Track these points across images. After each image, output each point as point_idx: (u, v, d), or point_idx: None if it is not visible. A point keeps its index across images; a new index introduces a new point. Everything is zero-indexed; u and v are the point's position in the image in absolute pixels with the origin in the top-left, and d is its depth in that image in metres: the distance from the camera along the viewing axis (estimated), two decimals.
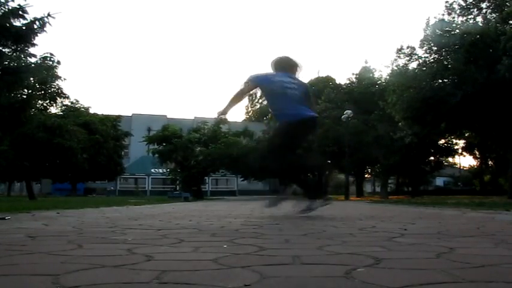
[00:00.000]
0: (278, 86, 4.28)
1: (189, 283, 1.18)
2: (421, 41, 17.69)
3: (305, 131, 4.65)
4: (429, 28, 17.44)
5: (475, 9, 17.55)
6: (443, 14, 17.73)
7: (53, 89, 16.06)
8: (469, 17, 17.51)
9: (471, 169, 42.22)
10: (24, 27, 8.55)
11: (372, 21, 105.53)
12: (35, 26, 8.55)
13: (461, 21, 17.42)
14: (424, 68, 17.54)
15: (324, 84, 31.86)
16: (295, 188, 4.69)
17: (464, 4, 17.51)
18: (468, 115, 16.38)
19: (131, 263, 1.50)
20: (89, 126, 28.06)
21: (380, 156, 24.58)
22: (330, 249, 1.85)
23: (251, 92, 4.72)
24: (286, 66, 4.49)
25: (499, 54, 13.70)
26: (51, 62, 13.57)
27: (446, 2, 17.72)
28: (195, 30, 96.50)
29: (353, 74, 29.88)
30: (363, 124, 24.41)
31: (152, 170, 40.49)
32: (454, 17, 17.64)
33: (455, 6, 17.61)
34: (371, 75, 27.66)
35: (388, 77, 20.55)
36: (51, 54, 13.23)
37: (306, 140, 4.10)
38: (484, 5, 17.44)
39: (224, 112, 4.49)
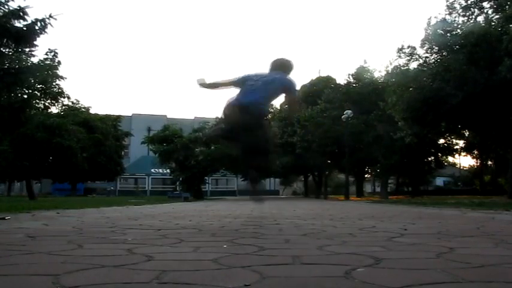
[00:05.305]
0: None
1: (189, 283, 1.18)
2: (422, 40, 17.63)
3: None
4: (430, 28, 17.40)
5: (476, 9, 17.48)
6: (445, 14, 17.68)
7: (53, 89, 16.03)
8: (470, 16, 17.44)
9: (471, 169, 42.17)
10: (25, 28, 8.52)
11: (374, 20, 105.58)
12: (36, 27, 8.51)
13: (463, 21, 17.36)
14: (425, 68, 17.50)
15: (325, 84, 31.79)
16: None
17: (465, 3, 17.43)
18: (468, 115, 16.34)
19: (131, 263, 1.50)
20: (88, 124, 28.02)
21: (380, 156, 24.59)
22: (330, 249, 1.85)
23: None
24: (276, 65, 4.44)
25: (500, 54, 13.66)
26: (51, 62, 13.56)
27: (447, 1, 17.67)
28: (195, 30, 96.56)
29: (349, 74, 29.92)
30: (363, 124, 24.41)
31: (152, 170, 40.47)
32: (455, 17, 17.58)
33: (457, 5, 17.54)
34: (369, 74, 27.64)
35: (384, 76, 20.52)
36: (55, 51, 13.21)
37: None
38: (485, 5, 17.36)
39: (201, 81, 4.33)
